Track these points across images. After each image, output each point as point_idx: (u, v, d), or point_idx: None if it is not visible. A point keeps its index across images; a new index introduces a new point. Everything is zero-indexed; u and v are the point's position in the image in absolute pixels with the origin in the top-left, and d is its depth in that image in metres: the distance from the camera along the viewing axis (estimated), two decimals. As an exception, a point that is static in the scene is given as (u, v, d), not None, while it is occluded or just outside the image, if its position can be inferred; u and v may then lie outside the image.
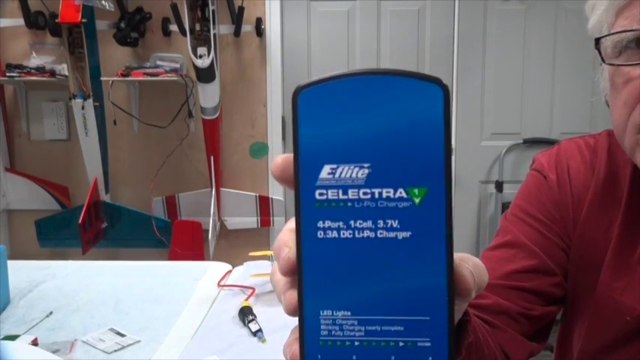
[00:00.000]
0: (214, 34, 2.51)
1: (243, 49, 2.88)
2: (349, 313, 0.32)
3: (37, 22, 2.78)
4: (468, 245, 3.01)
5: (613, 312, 0.72)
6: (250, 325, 1.26)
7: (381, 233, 0.31)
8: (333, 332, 0.32)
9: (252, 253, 1.59)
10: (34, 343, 1.17)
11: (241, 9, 2.75)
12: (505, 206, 0.69)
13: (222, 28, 2.75)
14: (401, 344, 0.31)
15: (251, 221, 2.90)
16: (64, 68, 2.68)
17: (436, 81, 0.31)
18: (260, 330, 1.24)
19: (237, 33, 2.78)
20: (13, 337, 1.17)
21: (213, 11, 2.50)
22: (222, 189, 2.86)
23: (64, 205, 2.98)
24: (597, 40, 0.66)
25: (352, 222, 0.31)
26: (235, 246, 2.93)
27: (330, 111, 0.31)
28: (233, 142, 2.95)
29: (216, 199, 2.79)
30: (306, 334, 0.32)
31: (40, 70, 2.76)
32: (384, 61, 2.91)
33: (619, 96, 0.66)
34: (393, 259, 0.31)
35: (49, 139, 2.99)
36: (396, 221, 0.31)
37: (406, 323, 0.31)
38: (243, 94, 2.91)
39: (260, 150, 2.95)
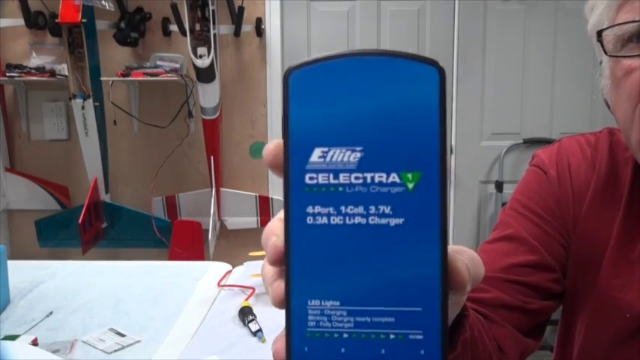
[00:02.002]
0: (214, 34, 2.51)
1: (243, 49, 2.88)
2: (338, 304, 0.30)
3: (37, 22, 2.78)
4: (468, 244, 2.98)
5: (613, 309, 0.73)
6: (250, 325, 1.26)
7: (372, 220, 0.30)
8: (320, 323, 0.30)
9: (252, 253, 1.58)
10: (34, 343, 1.17)
11: (241, 9, 2.75)
12: (505, 206, 0.70)
13: (222, 28, 2.75)
14: (392, 337, 0.30)
15: (251, 221, 2.90)
16: (64, 68, 2.69)
17: (432, 62, 0.30)
18: (260, 330, 1.24)
19: (237, 33, 2.78)
20: (13, 337, 1.17)
21: (213, 11, 2.50)
22: (222, 189, 2.86)
23: (64, 205, 2.98)
24: (599, 33, 0.66)
25: (343, 208, 0.30)
26: (235, 246, 2.93)
27: (321, 92, 0.30)
28: (233, 142, 2.95)
29: (216, 199, 2.79)
30: (293, 324, 0.31)
31: (40, 70, 2.76)
32: (384, 61, 2.91)
33: (621, 91, 0.66)
34: (385, 246, 0.30)
35: (49, 139, 2.99)
36: (389, 207, 0.30)
37: (397, 314, 0.30)
38: (243, 94, 2.91)
39: (260, 150, 2.95)
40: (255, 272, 1.52)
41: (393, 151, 0.30)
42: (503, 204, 2.87)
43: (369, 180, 0.30)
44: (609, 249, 0.74)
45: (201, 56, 2.48)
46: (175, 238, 2.75)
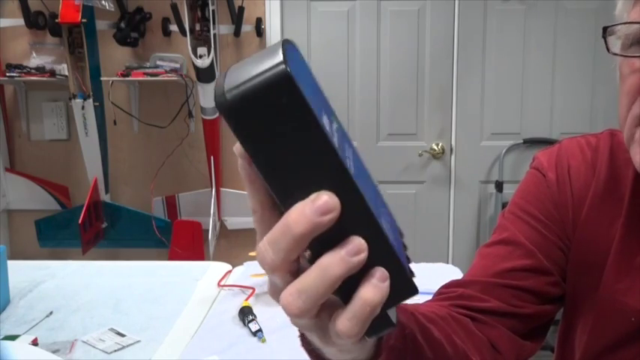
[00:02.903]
0: (214, 34, 2.52)
1: (243, 49, 2.88)
2: (385, 210, 0.37)
3: (37, 22, 2.78)
4: (468, 245, 3.01)
5: (617, 313, 0.72)
6: (250, 325, 1.26)
7: (352, 153, 0.35)
8: (389, 233, 0.35)
9: (252, 253, 1.58)
10: (34, 343, 1.17)
11: (241, 9, 2.75)
12: (505, 206, 0.70)
13: (222, 28, 2.75)
14: (389, 219, 0.38)
15: (251, 221, 2.83)
16: (64, 68, 2.69)
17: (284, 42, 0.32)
18: (260, 330, 1.24)
19: (237, 33, 2.78)
20: (13, 337, 1.17)
21: (213, 11, 2.50)
22: (222, 189, 2.86)
23: (64, 205, 2.98)
24: (604, 30, 0.66)
25: (347, 152, 0.34)
26: (235, 246, 2.93)
27: (306, 73, 0.33)
28: (233, 142, 2.89)
29: (216, 199, 2.79)
30: (392, 244, 0.35)
31: (40, 70, 2.76)
32: (384, 61, 2.91)
33: (623, 86, 0.66)
34: (363, 165, 0.37)
35: (49, 139, 2.99)
36: (347, 142, 0.36)
37: (384, 207, 0.37)
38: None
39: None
40: (255, 272, 1.52)
41: (327, 103, 0.35)
42: (503, 204, 2.87)
43: (336, 126, 0.34)
44: (612, 252, 0.73)
45: (201, 56, 2.48)
46: (175, 238, 2.75)
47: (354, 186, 0.33)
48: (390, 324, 0.38)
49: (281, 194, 0.33)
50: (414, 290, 0.36)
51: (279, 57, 0.30)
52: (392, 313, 0.38)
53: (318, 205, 0.32)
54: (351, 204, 0.33)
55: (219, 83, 0.32)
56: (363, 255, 0.33)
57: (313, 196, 0.32)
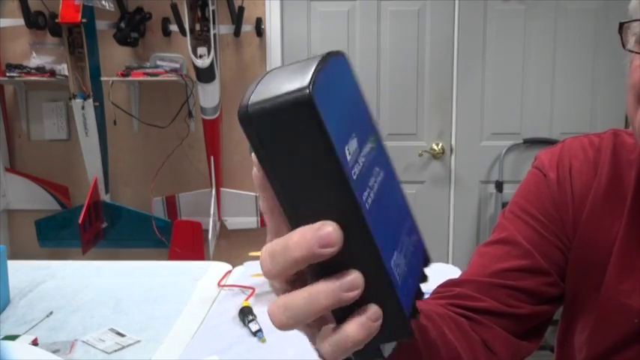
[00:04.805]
0: (214, 34, 2.51)
1: (243, 49, 2.88)
2: (398, 253, 0.36)
3: (37, 22, 2.78)
4: (468, 245, 3.01)
5: (619, 314, 0.72)
6: (250, 325, 1.26)
7: (385, 179, 0.36)
8: (399, 273, 0.35)
9: (252, 253, 1.58)
10: (34, 343, 1.17)
11: (241, 9, 2.75)
12: (505, 206, 0.70)
13: (222, 28, 2.75)
14: (415, 250, 0.38)
15: (251, 221, 2.90)
16: (64, 68, 2.68)
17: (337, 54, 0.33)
18: (260, 330, 1.24)
19: (237, 33, 2.78)
20: (13, 337, 1.17)
21: (213, 11, 2.50)
22: (222, 189, 2.86)
23: (64, 205, 2.98)
24: (621, 26, 0.66)
25: (372, 181, 0.34)
26: (235, 246, 2.93)
27: (336, 96, 0.33)
28: (233, 142, 2.95)
29: (216, 199, 2.79)
30: (394, 282, 0.34)
31: (40, 70, 2.76)
32: (384, 61, 2.91)
33: (630, 80, 0.66)
34: (395, 196, 0.37)
35: (49, 139, 2.99)
36: (381, 169, 0.36)
37: (412, 237, 0.38)
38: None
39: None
40: (256, 272, 1.52)
41: (366, 125, 0.35)
42: (504, 204, 2.87)
43: (367, 151, 0.34)
44: (614, 253, 0.73)
45: (201, 56, 2.48)
46: (175, 238, 2.75)
47: (362, 222, 0.32)
48: (378, 356, 0.37)
49: (288, 211, 0.33)
50: (407, 333, 0.35)
51: (307, 79, 0.30)
52: (388, 347, 0.38)
53: (319, 236, 0.31)
54: (357, 239, 0.32)
55: (249, 92, 0.32)
56: (357, 292, 0.32)
57: (318, 224, 0.32)
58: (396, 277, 0.34)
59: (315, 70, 0.31)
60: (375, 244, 0.32)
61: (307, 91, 0.30)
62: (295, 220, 0.32)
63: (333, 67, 0.32)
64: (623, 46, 0.66)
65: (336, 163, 0.31)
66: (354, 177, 0.32)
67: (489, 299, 0.72)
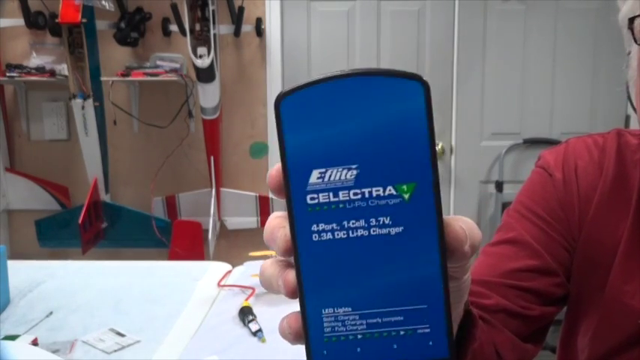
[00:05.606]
0: (214, 34, 2.51)
1: (243, 49, 2.88)
2: (350, 309, 0.33)
3: (37, 22, 2.78)
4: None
5: (623, 315, 0.72)
6: (250, 325, 1.26)
7: (374, 231, 0.32)
8: (336, 328, 0.33)
9: (252, 253, 1.59)
10: (34, 343, 1.17)
11: (241, 9, 2.75)
12: (505, 206, 0.69)
13: (222, 28, 2.75)
14: (402, 333, 0.33)
15: (251, 221, 2.90)
16: (64, 68, 2.68)
17: (416, 77, 0.31)
18: (260, 330, 1.24)
19: (237, 33, 2.78)
20: (13, 337, 1.17)
21: (213, 11, 2.50)
22: (222, 189, 2.86)
23: (64, 205, 2.98)
24: (631, 20, 0.65)
25: (345, 222, 0.32)
26: (235, 246, 2.93)
27: (313, 115, 0.32)
28: (233, 142, 2.95)
29: (216, 199, 2.79)
30: (311, 332, 0.33)
31: (40, 70, 2.76)
32: (384, 62, 2.91)
33: None
34: (388, 253, 0.32)
35: (49, 139, 2.99)
36: (388, 218, 0.32)
37: (405, 313, 0.33)
38: (243, 94, 2.91)
39: (260, 150, 2.96)
40: (256, 272, 1.52)
41: (387, 166, 0.32)
42: (504, 204, 2.88)
43: (367, 195, 0.32)
44: (619, 254, 0.72)
45: (201, 56, 2.48)
46: (175, 238, 2.75)
47: (296, 245, 0.33)
48: None
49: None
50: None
51: (290, 87, 0.32)
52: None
53: (277, 236, 0.34)
54: (294, 260, 0.33)
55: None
56: (289, 290, 0.34)
57: (283, 223, 0.34)
58: (312, 320, 0.33)
59: (310, 82, 0.31)
60: (302, 280, 0.33)
61: (280, 93, 0.32)
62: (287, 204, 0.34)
63: (366, 88, 0.31)
64: (635, 40, 0.65)
65: (285, 174, 0.32)
66: (308, 201, 0.32)
67: (502, 298, 0.71)
